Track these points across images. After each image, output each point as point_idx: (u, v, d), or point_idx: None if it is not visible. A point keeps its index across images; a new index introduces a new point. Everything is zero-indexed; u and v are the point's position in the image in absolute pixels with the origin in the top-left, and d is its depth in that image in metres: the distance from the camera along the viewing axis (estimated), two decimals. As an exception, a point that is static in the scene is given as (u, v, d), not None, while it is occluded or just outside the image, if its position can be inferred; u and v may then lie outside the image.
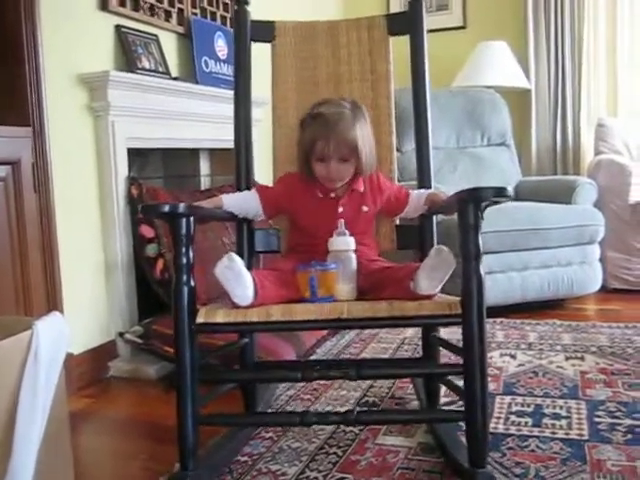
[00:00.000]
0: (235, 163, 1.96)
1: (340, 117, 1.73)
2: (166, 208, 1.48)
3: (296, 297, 1.60)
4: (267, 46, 2.02)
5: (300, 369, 1.58)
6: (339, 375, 1.58)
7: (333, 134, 1.71)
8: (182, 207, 1.48)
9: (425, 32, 1.94)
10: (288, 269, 1.68)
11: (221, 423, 1.72)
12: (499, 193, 1.41)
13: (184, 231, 1.49)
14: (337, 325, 1.60)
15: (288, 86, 2.01)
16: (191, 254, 1.50)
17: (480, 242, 1.44)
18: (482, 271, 1.44)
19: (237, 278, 1.50)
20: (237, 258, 1.50)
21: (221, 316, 1.50)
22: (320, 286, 1.58)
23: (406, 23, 1.97)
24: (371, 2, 4.61)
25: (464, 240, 1.45)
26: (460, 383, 1.51)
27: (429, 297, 1.54)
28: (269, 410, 2.02)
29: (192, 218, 1.50)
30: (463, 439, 1.53)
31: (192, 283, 1.50)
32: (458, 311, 1.45)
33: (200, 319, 1.50)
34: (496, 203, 1.45)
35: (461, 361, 1.48)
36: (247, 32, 1.97)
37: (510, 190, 1.41)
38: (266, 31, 2.01)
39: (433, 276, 1.51)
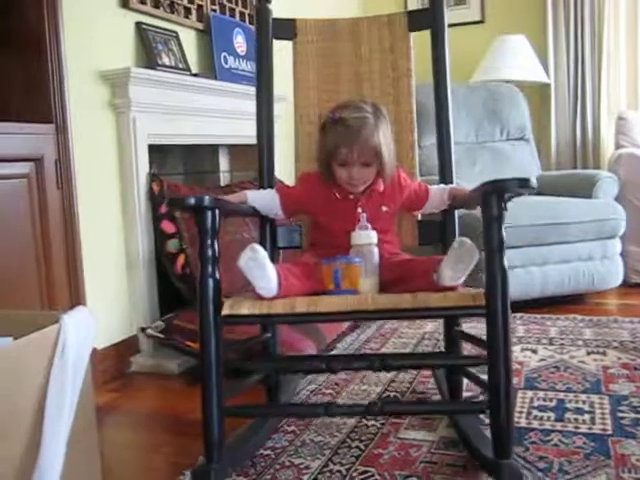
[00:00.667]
0: (258, 162, 1.98)
1: (363, 123, 1.71)
2: (192, 201, 1.49)
3: (319, 289, 1.62)
4: (287, 41, 2.02)
5: (324, 360, 1.59)
6: (363, 366, 1.58)
7: (356, 141, 1.70)
8: (208, 200, 1.49)
9: (446, 27, 1.94)
10: (311, 262, 1.70)
11: (246, 414, 1.74)
12: (523, 184, 1.40)
13: (209, 224, 1.50)
14: (361, 317, 1.61)
15: (309, 84, 2.02)
16: (216, 247, 1.52)
17: (504, 234, 1.44)
18: (506, 263, 1.43)
19: (261, 269, 1.50)
20: (260, 249, 1.51)
21: (246, 308, 1.52)
22: (344, 279, 1.59)
23: (427, 19, 1.97)
24: (389, 2, 4.58)
25: (487, 232, 1.45)
26: (483, 376, 1.51)
27: (453, 289, 1.55)
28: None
29: (217, 211, 1.52)
30: (486, 432, 1.53)
31: (217, 276, 1.51)
32: (482, 303, 1.45)
33: (225, 311, 1.51)
34: (519, 195, 1.45)
35: (484, 353, 1.48)
36: (269, 30, 1.98)
37: (534, 181, 1.40)
38: (287, 29, 2.01)
39: (457, 267, 1.51)
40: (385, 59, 2.00)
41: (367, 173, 1.76)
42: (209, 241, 1.51)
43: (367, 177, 1.77)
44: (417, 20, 2.00)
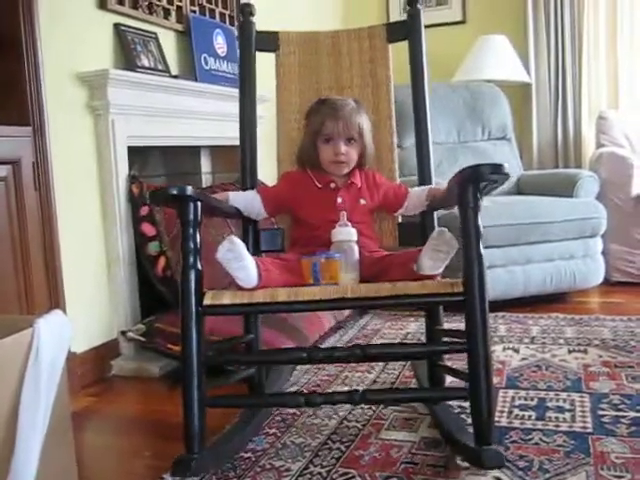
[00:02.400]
0: (240, 163, 2.01)
1: (346, 103, 1.85)
2: (175, 191, 1.50)
3: (300, 283, 1.63)
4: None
5: (305, 351, 1.60)
6: (345, 355, 1.59)
7: (341, 114, 1.82)
8: (190, 190, 1.50)
9: (424, 39, 2.00)
10: (292, 258, 1.73)
11: (227, 404, 1.74)
12: (496, 170, 1.43)
13: (192, 215, 1.52)
14: (341, 305, 1.64)
15: (292, 92, 2.09)
16: (198, 238, 1.53)
17: (480, 222, 1.46)
18: (482, 251, 1.46)
19: (239, 260, 1.52)
20: (238, 240, 1.53)
21: (227, 298, 1.55)
22: (324, 274, 1.62)
23: (405, 31, 2.04)
24: (370, 12, 4.61)
25: (464, 220, 1.47)
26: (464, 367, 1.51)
27: (432, 277, 1.59)
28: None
29: (199, 203, 1.53)
30: (469, 429, 1.54)
31: (199, 267, 1.52)
32: (460, 289, 1.48)
33: (207, 301, 1.53)
34: (495, 184, 1.47)
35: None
36: (252, 43, 2.04)
37: (507, 167, 1.42)
38: (270, 41, 2.08)
39: (436, 257, 1.56)
40: (365, 69, 2.08)
41: (351, 151, 1.84)
42: (191, 232, 1.52)
43: (351, 155, 1.85)
44: (395, 32, 2.07)
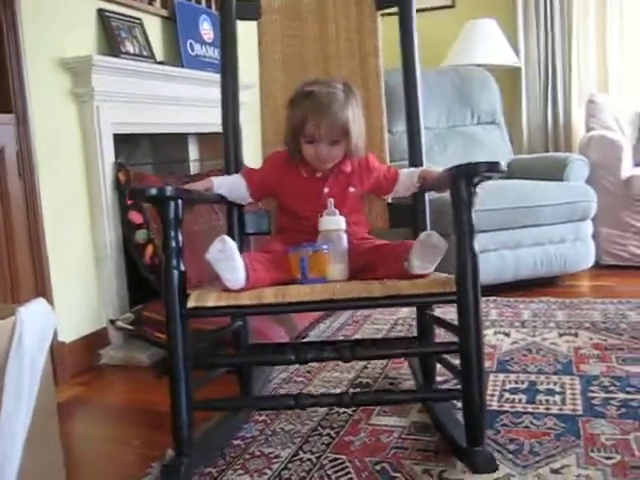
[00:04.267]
0: (224, 147, 1.93)
1: (332, 98, 1.68)
2: (153, 191, 1.47)
3: (288, 279, 1.58)
4: (253, 26, 1.98)
5: (293, 351, 1.56)
6: (333, 356, 1.56)
7: (325, 115, 1.67)
8: (170, 190, 1.47)
9: (414, 5, 1.90)
10: (279, 250, 1.67)
11: (216, 408, 1.70)
12: (492, 168, 1.39)
13: (172, 214, 1.47)
14: (330, 306, 1.58)
15: (275, 65, 1.98)
16: (180, 238, 1.48)
17: (474, 218, 1.42)
18: (476, 248, 1.42)
19: (229, 262, 1.47)
20: (230, 241, 1.48)
21: (212, 300, 1.48)
22: (311, 267, 1.56)
23: None
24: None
25: (457, 217, 1.43)
26: (456, 362, 1.50)
27: (423, 276, 1.53)
28: (264, 393, 2.00)
29: (180, 201, 1.48)
30: (459, 417, 1.52)
31: (182, 267, 1.48)
32: (453, 289, 1.43)
33: (191, 303, 1.47)
34: (488, 178, 1.43)
35: (456, 339, 1.46)
36: (232, 10, 1.92)
37: (503, 165, 1.39)
38: (252, 8, 1.96)
39: (425, 258, 1.51)
40: (352, 38, 1.96)
41: (335, 151, 1.73)
42: (172, 232, 1.47)
43: (335, 155, 1.74)
44: None
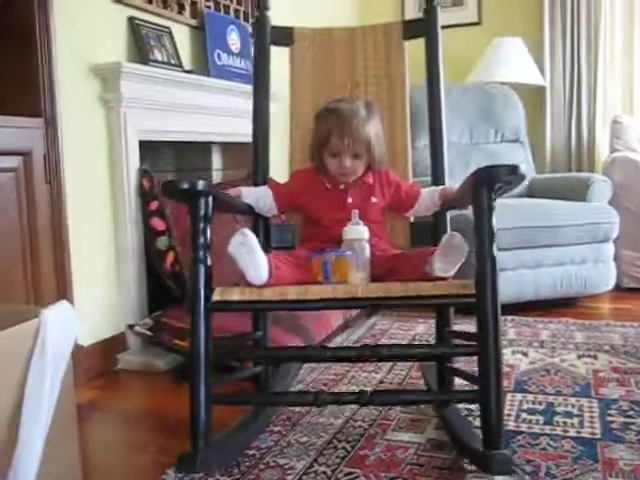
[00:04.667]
0: (253, 160, 2.00)
1: (355, 114, 1.77)
2: (186, 185, 1.50)
3: (310, 281, 1.62)
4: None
5: (314, 348, 1.59)
6: (354, 354, 1.57)
7: (347, 130, 1.76)
8: (202, 185, 1.50)
9: (440, 37, 1.97)
10: (303, 256, 1.72)
11: (234, 402, 1.74)
12: (512, 171, 1.42)
13: (203, 210, 1.52)
14: (351, 304, 1.64)
15: (305, 89, 2.07)
16: (208, 234, 1.52)
17: (494, 223, 1.45)
18: (495, 252, 1.44)
19: (251, 254, 1.52)
20: (250, 233, 1.53)
21: (236, 294, 1.54)
22: (334, 271, 1.61)
23: (421, 28, 2.00)
24: (385, 9, 4.58)
25: (478, 221, 1.46)
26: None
27: (444, 279, 1.58)
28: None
29: (210, 198, 1.52)
30: (476, 431, 1.52)
31: (209, 262, 1.51)
32: (472, 291, 1.46)
33: (216, 297, 1.53)
34: (509, 185, 1.45)
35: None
36: (267, 37, 2.02)
37: (522, 168, 1.41)
38: (285, 36, 2.07)
39: (447, 260, 1.56)
40: (380, 66, 2.05)
41: (357, 165, 1.81)
42: (201, 226, 1.51)
43: (356, 169, 1.81)
44: (411, 29, 2.04)
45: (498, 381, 1.43)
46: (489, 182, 1.44)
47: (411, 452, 1.66)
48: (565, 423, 1.81)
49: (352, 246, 1.67)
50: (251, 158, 1.99)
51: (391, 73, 2.04)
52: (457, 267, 1.57)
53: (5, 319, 1.17)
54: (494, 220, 1.45)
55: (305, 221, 1.93)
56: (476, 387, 1.50)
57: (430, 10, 1.98)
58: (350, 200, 1.83)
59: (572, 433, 1.74)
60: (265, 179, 1.99)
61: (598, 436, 1.71)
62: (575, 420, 1.82)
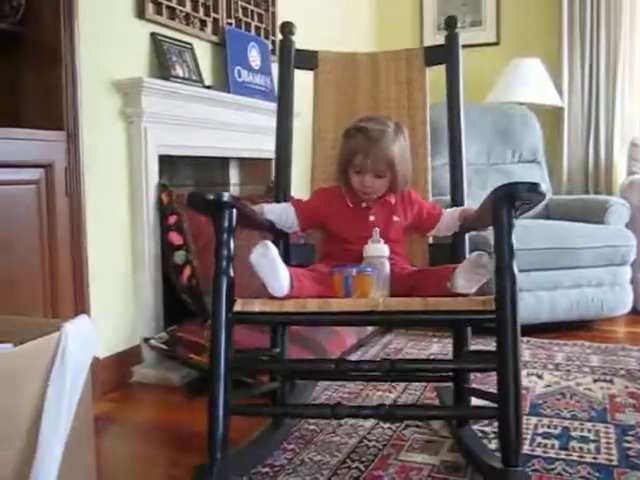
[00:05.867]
0: (275, 178, 2.04)
1: (382, 134, 1.81)
2: (211, 196, 1.51)
3: (331, 295, 1.63)
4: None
5: (334, 363, 1.61)
6: (372, 368, 1.58)
7: (372, 149, 1.79)
8: (227, 196, 1.52)
9: (461, 63, 2.00)
10: (324, 271, 1.73)
11: (252, 413, 1.75)
12: (532, 189, 1.43)
13: (227, 221, 1.53)
14: (372, 319, 1.63)
15: (328, 111, 2.10)
16: (232, 245, 1.53)
17: (514, 240, 1.46)
18: (515, 269, 1.45)
19: (272, 266, 1.53)
20: (271, 245, 1.54)
21: (258, 305, 1.56)
22: (355, 287, 1.62)
23: (442, 55, 2.03)
24: (404, 35, 4.59)
25: (498, 238, 1.47)
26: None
27: (465, 296, 1.58)
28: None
29: (235, 210, 1.54)
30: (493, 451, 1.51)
31: (232, 273, 1.53)
32: (492, 307, 1.46)
33: (237, 308, 1.54)
34: (529, 204, 1.47)
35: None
36: (291, 60, 2.06)
37: (543, 187, 1.42)
38: (309, 60, 2.10)
39: (471, 277, 1.57)
40: (401, 90, 2.08)
41: (379, 183, 1.83)
42: (225, 238, 1.53)
43: (379, 187, 1.84)
44: (433, 55, 2.08)
45: (517, 397, 1.43)
46: (509, 198, 1.46)
47: (425, 474, 1.65)
48: (581, 448, 1.79)
49: (372, 263, 1.68)
50: (272, 174, 2.02)
51: (412, 97, 2.06)
52: (479, 286, 1.58)
53: (28, 332, 1.18)
54: (514, 237, 1.46)
55: (326, 237, 1.95)
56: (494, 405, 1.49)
57: (451, 36, 2.01)
58: (372, 218, 1.85)
59: (588, 459, 1.73)
60: (287, 195, 2.01)
61: (615, 463, 1.70)
62: (592, 446, 1.81)
